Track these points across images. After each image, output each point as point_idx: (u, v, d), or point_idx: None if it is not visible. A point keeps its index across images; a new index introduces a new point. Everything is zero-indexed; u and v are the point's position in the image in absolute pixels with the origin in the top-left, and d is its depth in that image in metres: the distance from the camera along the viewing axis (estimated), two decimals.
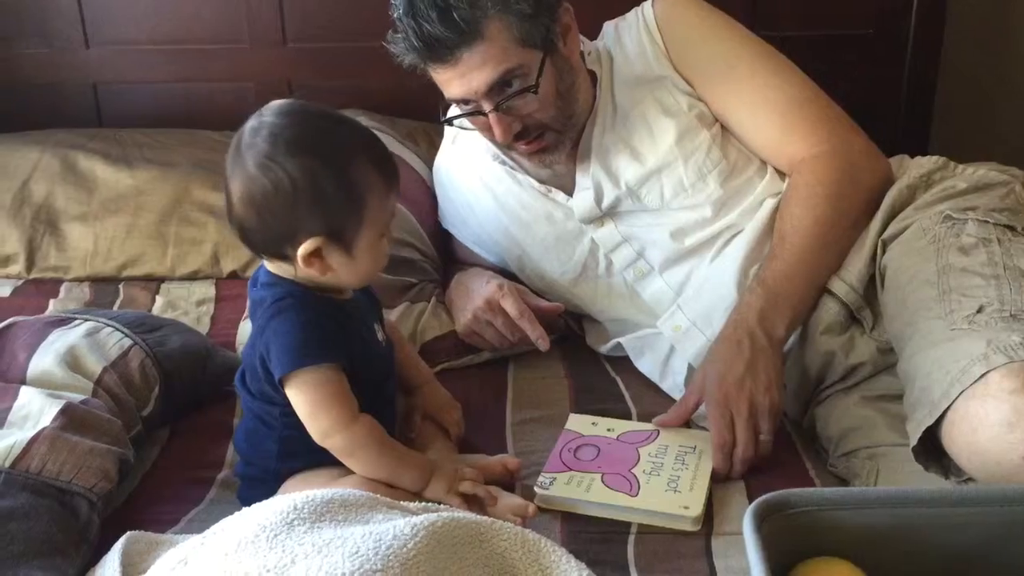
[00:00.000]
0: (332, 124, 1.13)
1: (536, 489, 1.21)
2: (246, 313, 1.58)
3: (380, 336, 1.23)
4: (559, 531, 1.18)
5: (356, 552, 0.80)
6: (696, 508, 1.18)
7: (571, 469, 1.24)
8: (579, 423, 1.35)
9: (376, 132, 1.87)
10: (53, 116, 2.11)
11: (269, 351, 1.11)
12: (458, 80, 1.38)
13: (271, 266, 1.15)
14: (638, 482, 1.22)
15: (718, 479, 1.25)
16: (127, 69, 2.15)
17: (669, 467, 1.25)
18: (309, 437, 1.14)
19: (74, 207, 1.86)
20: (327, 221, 1.08)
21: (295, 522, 0.85)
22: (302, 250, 1.09)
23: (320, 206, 1.07)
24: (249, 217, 1.10)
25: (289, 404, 1.13)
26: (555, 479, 1.23)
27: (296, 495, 0.91)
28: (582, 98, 1.48)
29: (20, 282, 1.81)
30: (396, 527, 0.84)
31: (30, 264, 1.82)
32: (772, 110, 1.46)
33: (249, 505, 1.00)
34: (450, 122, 1.49)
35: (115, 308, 1.72)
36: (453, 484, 1.13)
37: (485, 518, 0.93)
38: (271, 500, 0.91)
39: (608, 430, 1.33)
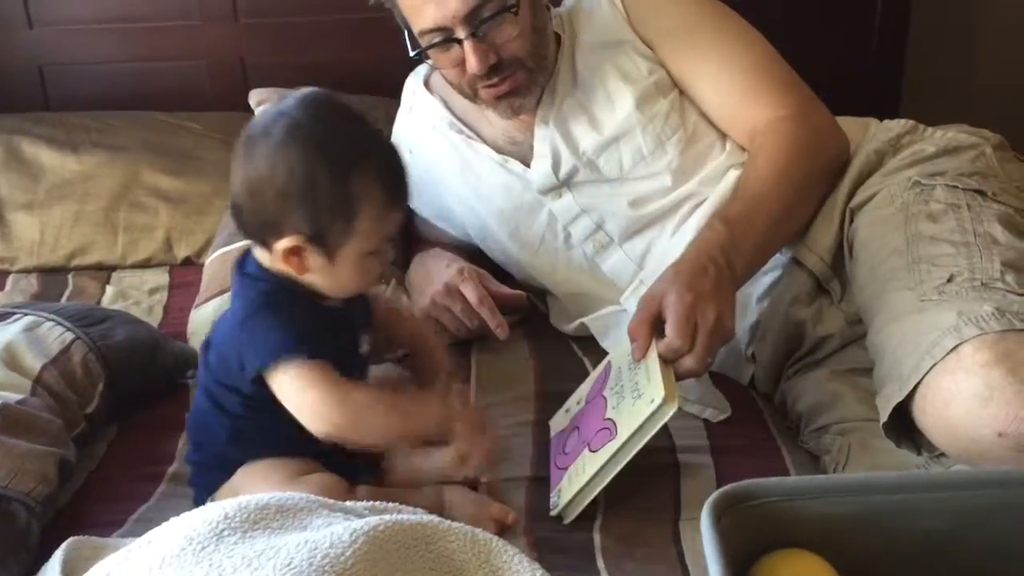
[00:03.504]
0: (348, 125, 1.10)
1: (552, 512, 1.16)
2: (197, 301, 1.55)
3: (363, 348, 1.19)
4: (524, 521, 1.14)
5: (289, 564, 0.75)
6: (659, 393, 1.10)
7: (566, 468, 1.19)
8: (558, 422, 1.30)
9: None
10: None
11: (249, 342, 1.08)
12: (434, 3, 1.33)
13: (258, 253, 1.12)
14: (614, 422, 1.16)
15: None
16: (73, 49, 2.08)
17: (627, 383, 1.19)
18: (262, 424, 1.11)
19: (19, 195, 1.82)
20: (313, 221, 1.06)
21: (225, 532, 0.79)
22: (281, 244, 1.07)
23: (309, 205, 1.05)
24: (243, 197, 1.08)
25: (252, 395, 1.10)
26: (560, 490, 1.17)
27: (228, 502, 0.86)
28: (551, 48, 1.45)
29: None
30: (334, 534, 0.79)
31: None
32: (734, 76, 1.43)
33: (202, 491, 0.94)
34: (420, 57, 1.42)
35: (64, 300, 1.68)
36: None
37: (432, 518, 0.88)
38: (201, 508, 0.86)
39: (578, 403, 1.28)
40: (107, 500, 1.21)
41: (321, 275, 1.09)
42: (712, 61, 1.43)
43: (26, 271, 1.77)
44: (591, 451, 1.16)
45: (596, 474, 1.13)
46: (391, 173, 1.09)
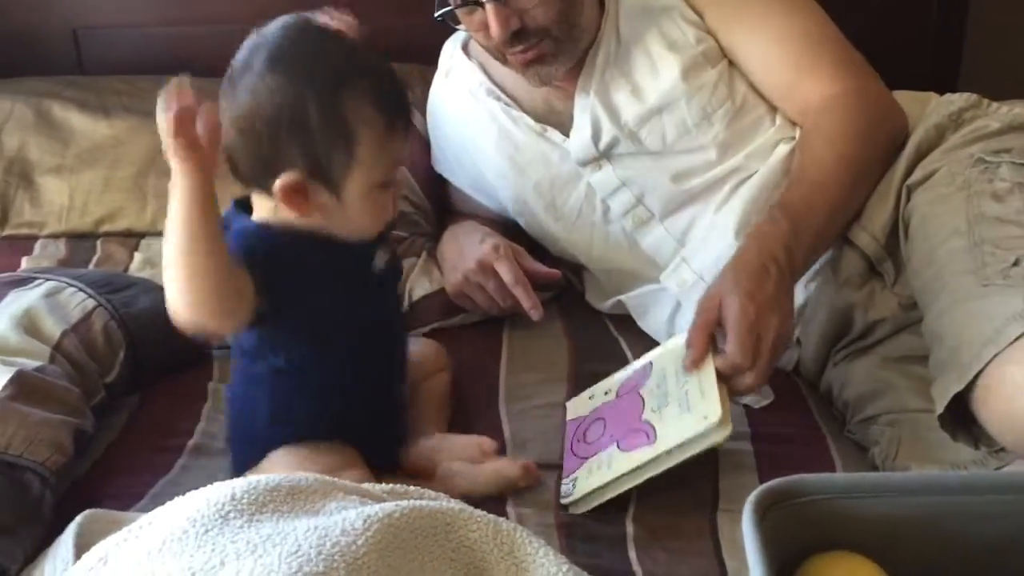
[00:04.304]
0: (333, 44, 1.02)
1: (562, 500, 1.11)
2: None
3: (377, 264, 1.11)
4: (553, 510, 1.10)
5: (296, 551, 0.70)
6: (715, 411, 1.05)
7: (586, 458, 1.13)
8: (577, 407, 1.25)
9: None
10: (30, 63, 2.00)
11: None
12: None
13: (257, 204, 1.05)
14: (652, 426, 1.10)
15: None
16: (108, 12, 2.03)
17: (674, 390, 1.13)
18: (303, 399, 1.06)
19: (49, 159, 1.77)
20: (309, 154, 0.99)
21: (231, 515, 0.75)
22: (279, 183, 1.00)
23: (301, 135, 0.98)
24: (233, 139, 1.01)
25: (279, 361, 1.05)
26: (575, 479, 1.12)
27: (237, 481, 0.81)
28: (587, 14, 1.39)
29: None
30: (346, 519, 0.74)
31: (3, 220, 1.74)
32: (788, 48, 1.36)
33: (242, 473, 0.90)
34: (450, 22, 1.37)
35: (91, 266, 1.65)
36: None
37: (453, 506, 0.83)
38: (208, 488, 0.82)
39: (605, 394, 1.23)
40: (126, 472, 1.18)
41: (330, 216, 1.03)
42: (764, 30, 1.37)
43: (54, 236, 1.73)
44: (621, 449, 1.11)
45: (624, 475, 1.08)
46: (387, 92, 1.02)
